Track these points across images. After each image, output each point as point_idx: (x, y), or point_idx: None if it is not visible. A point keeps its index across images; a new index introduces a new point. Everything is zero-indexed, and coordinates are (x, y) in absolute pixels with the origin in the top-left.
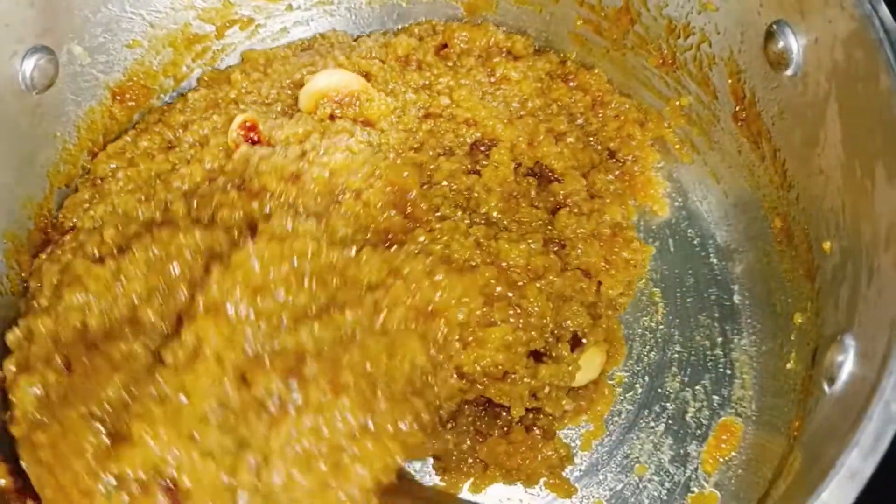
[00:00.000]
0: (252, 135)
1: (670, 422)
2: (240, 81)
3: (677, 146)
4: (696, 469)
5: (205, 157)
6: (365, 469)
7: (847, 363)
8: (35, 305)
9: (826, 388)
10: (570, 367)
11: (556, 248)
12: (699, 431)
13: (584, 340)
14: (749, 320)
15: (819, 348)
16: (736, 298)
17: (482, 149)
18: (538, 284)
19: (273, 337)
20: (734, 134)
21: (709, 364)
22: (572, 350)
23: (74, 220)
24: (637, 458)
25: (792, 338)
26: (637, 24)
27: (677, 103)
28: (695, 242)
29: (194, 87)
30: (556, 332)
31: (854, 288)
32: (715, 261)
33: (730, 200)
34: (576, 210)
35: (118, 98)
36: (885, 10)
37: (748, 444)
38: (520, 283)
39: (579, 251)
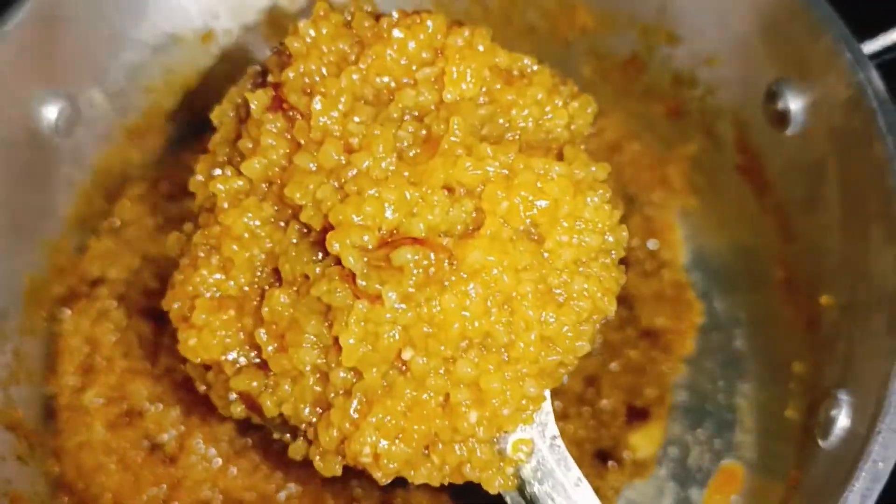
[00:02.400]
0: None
1: (672, 465)
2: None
3: (683, 193)
4: None
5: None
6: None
7: (841, 417)
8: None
9: (821, 440)
10: (635, 474)
11: (625, 313)
12: (700, 475)
13: (649, 411)
14: (750, 366)
15: (815, 400)
16: (738, 344)
17: None
18: (612, 366)
19: None
20: (738, 184)
21: (710, 409)
22: (642, 418)
23: (98, 273)
24: (640, 503)
25: (791, 386)
26: (644, 73)
27: (683, 151)
28: (699, 287)
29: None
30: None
31: (849, 344)
32: (718, 306)
33: (733, 248)
34: (638, 269)
35: (134, 140)
36: (877, 81)
37: (749, 488)
38: (595, 375)
39: (647, 314)
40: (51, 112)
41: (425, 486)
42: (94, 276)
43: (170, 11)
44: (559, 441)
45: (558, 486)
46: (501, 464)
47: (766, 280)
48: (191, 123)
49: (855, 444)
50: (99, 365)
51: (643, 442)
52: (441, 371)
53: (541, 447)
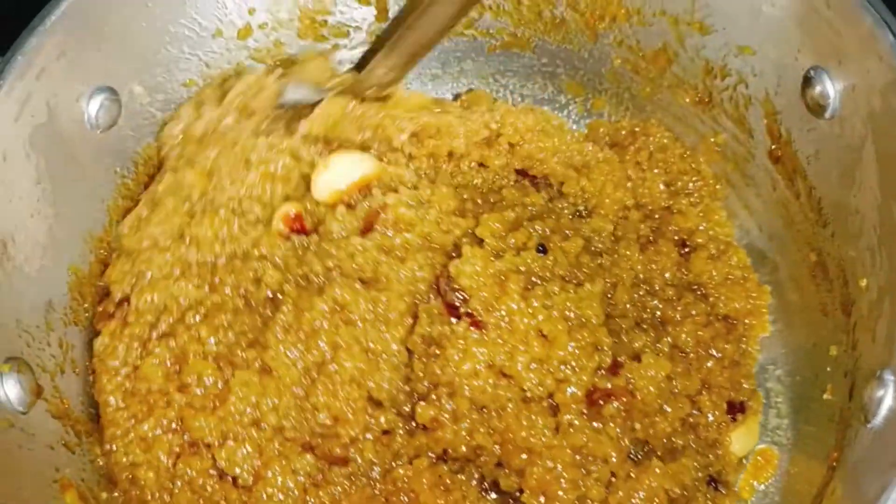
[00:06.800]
0: (296, 225)
1: None
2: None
3: (713, 180)
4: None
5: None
6: None
7: (887, 398)
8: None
9: (866, 422)
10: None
11: (703, 305)
12: None
13: (749, 404)
14: (783, 351)
15: (857, 382)
16: (770, 329)
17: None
18: (709, 364)
19: None
20: (769, 171)
21: None
22: (739, 412)
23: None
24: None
25: (828, 369)
26: (674, 64)
27: (713, 140)
28: None
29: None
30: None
31: (892, 325)
32: None
33: (764, 234)
34: (705, 253)
35: None
36: None
37: (784, 471)
38: (697, 389)
39: (723, 299)
40: (93, 105)
41: None
42: (116, 297)
43: (207, 6)
44: None
45: None
46: None
47: (797, 265)
48: None
49: None
50: (152, 397)
51: (743, 439)
52: None
53: None
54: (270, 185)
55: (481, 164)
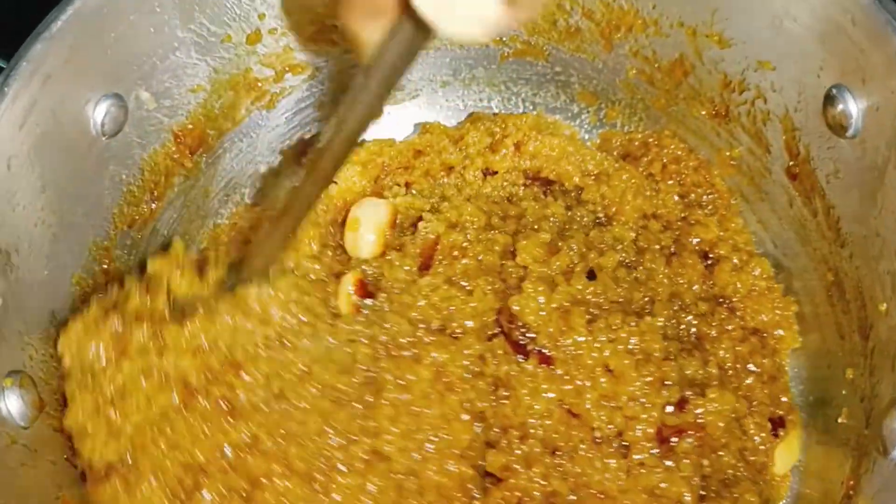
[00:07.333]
0: (363, 291)
1: None
2: None
3: (728, 195)
4: None
5: None
6: None
7: None
8: None
9: (885, 453)
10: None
11: (735, 320)
12: None
13: (788, 419)
14: (797, 369)
15: (874, 410)
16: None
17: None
18: (749, 381)
19: None
20: (786, 187)
21: None
22: (780, 427)
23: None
24: None
25: (844, 392)
26: (691, 76)
27: (728, 154)
28: None
29: None
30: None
31: None
32: None
33: (779, 250)
34: (729, 265)
35: (180, 140)
36: None
37: (797, 493)
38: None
39: (750, 312)
40: (99, 112)
41: None
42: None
43: (216, 11)
44: None
45: None
46: None
47: (812, 283)
48: (232, 123)
49: None
50: None
51: (784, 456)
52: None
53: None
54: (296, 305)
55: (487, 172)
